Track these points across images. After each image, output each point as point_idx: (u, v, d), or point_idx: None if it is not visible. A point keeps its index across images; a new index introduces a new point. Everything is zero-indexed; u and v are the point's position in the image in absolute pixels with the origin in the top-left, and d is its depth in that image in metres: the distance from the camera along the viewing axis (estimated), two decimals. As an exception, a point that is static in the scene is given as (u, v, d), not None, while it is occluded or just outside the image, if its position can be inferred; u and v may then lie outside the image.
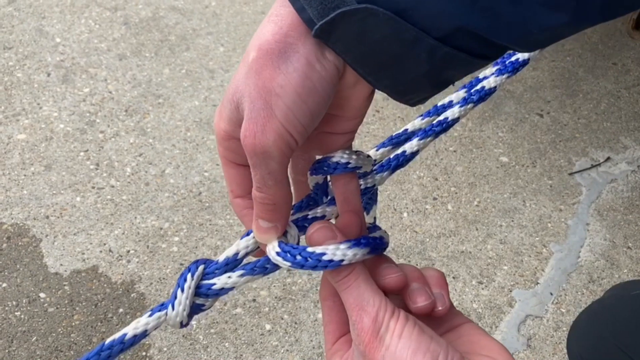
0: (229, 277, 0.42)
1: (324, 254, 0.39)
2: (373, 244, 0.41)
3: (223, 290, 0.42)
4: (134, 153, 1.50)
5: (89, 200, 1.38)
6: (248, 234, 0.43)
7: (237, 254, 0.43)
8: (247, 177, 0.41)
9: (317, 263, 0.39)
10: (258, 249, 0.44)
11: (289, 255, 0.40)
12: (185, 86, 1.70)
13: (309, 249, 0.40)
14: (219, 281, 0.42)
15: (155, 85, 1.69)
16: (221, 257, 0.42)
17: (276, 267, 0.42)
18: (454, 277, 1.36)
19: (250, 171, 0.39)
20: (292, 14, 0.35)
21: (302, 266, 0.40)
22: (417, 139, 0.49)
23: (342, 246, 0.40)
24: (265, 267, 0.42)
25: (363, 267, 0.41)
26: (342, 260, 0.39)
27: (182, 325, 0.42)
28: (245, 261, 0.44)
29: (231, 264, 0.42)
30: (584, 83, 1.95)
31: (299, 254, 0.40)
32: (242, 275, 0.42)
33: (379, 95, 0.38)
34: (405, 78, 0.36)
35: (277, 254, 0.40)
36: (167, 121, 1.59)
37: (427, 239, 1.43)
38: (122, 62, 1.74)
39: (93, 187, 1.41)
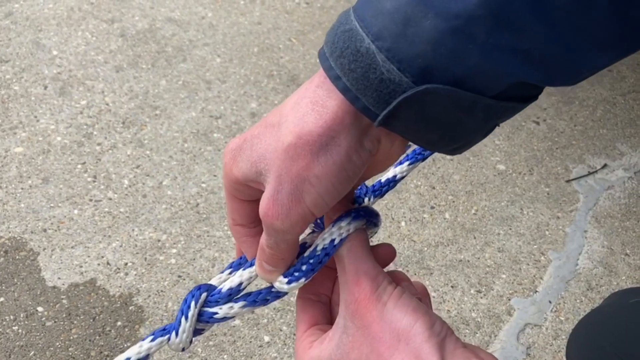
0: (231, 307, 0.43)
1: (332, 240, 0.40)
2: (368, 214, 0.42)
3: (224, 319, 0.43)
4: (131, 165, 1.50)
5: (87, 213, 1.38)
6: (251, 264, 0.44)
7: (240, 284, 0.43)
8: (251, 210, 0.42)
9: (329, 252, 0.41)
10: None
11: (298, 277, 0.41)
12: (182, 97, 1.70)
13: (308, 251, 0.41)
14: (221, 311, 0.43)
15: (152, 96, 1.69)
16: (224, 287, 0.43)
17: (277, 297, 0.43)
18: (452, 286, 1.36)
19: (255, 207, 0.39)
20: (338, 106, 0.34)
21: (315, 271, 0.41)
22: (407, 163, 0.50)
23: (343, 223, 0.41)
24: (267, 299, 0.43)
25: (363, 235, 0.41)
26: (347, 236, 0.40)
27: (183, 349, 0.43)
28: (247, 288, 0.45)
29: (234, 294, 0.43)
30: (579, 90, 1.96)
31: (304, 266, 0.41)
32: (244, 307, 0.43)
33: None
34: (461, 138, 0.37)
35: (288, 282, 0.41)
36: (165, 132, 1.59)
37: (425, 248, 1.43)
38: (119, 74, 1.74)
39: (90, 200, 1.41)
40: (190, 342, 0.43)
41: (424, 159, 0.50)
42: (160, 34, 1.90)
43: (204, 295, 0.43)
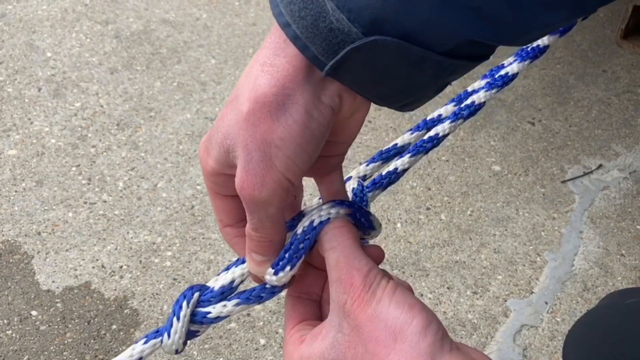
0: (225, 305, 0.42)
1: (311, 222, 0.40)
2: (353, 206, 0.42)
3: (218, 319, 0.42)
4: (126, 167, 1.49)
5: (81, 215, 1.38)
6: (243, 262, 0.43)
7: (232, 282, 0.43)
8: (235, 207, 0.41)
9: (308, 235, 0.40)
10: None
11: (283, 266, 0.40)
12: (177, 99, 1.70)
13: (290, 238, 0.41)
14: (215, 310, 0.42)
15: (146, 98, 1.68)
16: (216, 285, 0.43)
17: (272, 294, 0.42)
18: (448, 288, 1.36)
19: (239, 202, 0.38)
20: (288, 63, 0.34)
21: (300, 257, 0.40)
22: (408, 155, 0.49)
23: (324, 206, 0.41)
24: (261, 296, 0.42)
25: (353, 230, 0.40)
26: (328, 219, 0.40)
27: (177, 352, 0.42)
28: (241, 287, 0.44)
29: (227, 292, 0.43)
30: (574, 90, 1.96)
31: (287, 253, 0.40)
32: (237, 305, 0.42)
33: (371, 105, 0.38)
34: (411, 93, 0.37)
35: (275, 273, 0.41)
36: (159, 134, 1.59)
37: (421, 250, 1.43)
38: (114, 76, 1.73)
39: (85, 203, 1.40)
40: (184, 344, 0.42)
41: (426, 152, 0.49)
42: (154, 35, 1.90)
43: (196, 295, 0.42)
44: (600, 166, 1.70)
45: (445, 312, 1.31)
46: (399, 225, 1.48)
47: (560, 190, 1.62)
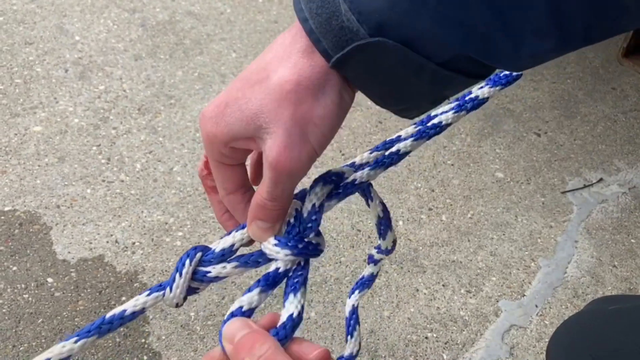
0: (224, 267, 0.45)
1: (312, 204, 0.45)
2: (332, 177, 0.46)
3: (217, 278, 0.45)
4: (144, 150, 1.57)
5: (99, 192, 1.45)
6: (243, 227, 0.46)
7: (232, 245, 0.45)
8: (240, 174, 0.45)
9: (312, 216, 0.44)
10: (251, 241, 0.47)
11: (288, 245, 0.44)
12: (197, 89, 1.77)
13: (293, 219, 0.45)
14: (214, 270, 0.45)
15: (168, 86, 1.75)
16: (217, 247, 0.45)
17: (268, 260, 0.45)
18: (443, 285, 1.42)
19: (242, 171, 0.43)
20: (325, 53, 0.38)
21: (301, 236, 0.44)
22: (411, 139, 0.52)
23: (317, 188, 0.45)
24: (258, 261, 0.45)
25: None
26: (321, 204, 0.45)
27: (177, 305, 0.46)
28: (239, 252, 0.47)
29: (227, 255, 0.45)
30: (582, 106, 2.01)
31: (293, 230, 0.44)
32: (236, 267, 0.45)
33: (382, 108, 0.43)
34: (409, 98, 0.40)
35: (276, 245, 0.44)
36: (178, 121, 1.66)
37: (421, 247, 1.49)
38: (138, 63, 1.81)
39: (103, 181, 1.48)
40: (184, 298, 0.45)
41: (428, 138, 0.51)
42: (179, 26, 1.97)
43: (198, 254, 0.45)
44: (600, 180, 1.75)
45: (438, 307, 1.37)
46: (400, 223, 1.54)
47: (560, 201, 1.67)
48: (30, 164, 1.48)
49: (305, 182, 0.45)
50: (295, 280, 0.45)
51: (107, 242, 1.36)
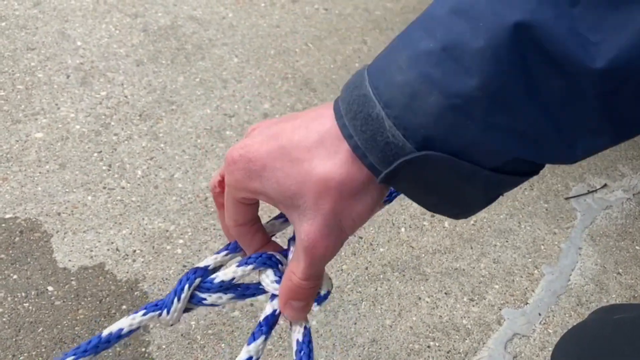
0: (220, 297, 0.46)
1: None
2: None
3: (212, 305, 0.47)
4: (145, 157, 1.56)
5: (100, 199, 1.45)
6: (246, 263, 0.47)
7: (233, 279, 0.47)
8: (252, 211, 0.46)
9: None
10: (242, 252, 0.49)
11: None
12: (199, 94, 1.76)
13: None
14: (210, 298, 0.46)
15: (169, 92, 1.75)
16: (217, 278, 0.46)
17: (264, 292, 0.47)
18: (446, 293, 1.41)
19: (255, 208, 0.45)
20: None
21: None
22: None
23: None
24: (254, 294, 0.47)
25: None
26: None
27: (171, 325, 0.47)
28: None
29: (225, 286, 0.47)
30: (586, 110, 1.99)
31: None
32: (232, 298, 0.47)
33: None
34: (462, 204, 0.40)
35: (275, 282, 0.47)
36: (179, 127, 1.65)
37: (423, 255, 1.48)
38: (139, 68, 1.80)
39: (104, 188, 1.47)
40: (179, 320, 0.47)
41: None
42: (181, 31, 1.97)
43: (198, 280, 0.46)
44: (604, 186, 1.74)
45: (441, 316, 1.36)
46: (402, 230, 1.53)
47: (563, 207, 1.66)
48: (32, 171, 1.47)
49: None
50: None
51: (108, 249, 1.36)
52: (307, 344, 0.46)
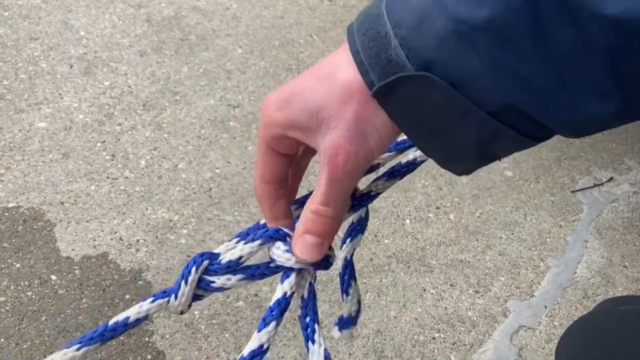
0: (229, 278, 0.44)
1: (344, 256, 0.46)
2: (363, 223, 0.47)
3: (221, 289, 0.45)
4: (149, 147, 1.55)
5: (103, 189, 1.44)
6: (253, 239, 0.45)
7: (240, 257, 0.45)
8: (283, 166, 0.44)
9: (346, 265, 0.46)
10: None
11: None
12: (202, 85, 1.75)
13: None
14: (219, 281, 0.44)
15: (173, 82, 1.74)
16: (225, 258, 0.45)
17: (274, 272, 0.45)
18: (451, 285, 1.40)
19: (287, 164, 0.44)
20: None
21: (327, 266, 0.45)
22: None
23: (347, 240, 0.47)
24: (264, 274, 0.45)
25: None
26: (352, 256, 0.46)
27: (182, 312, 0.45)
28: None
29: (233, 267, 0.45)
30: (592, 103, 1.98)
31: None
32: (241, 279, 0.45)
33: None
34: (453, 147, 0.38)
35: (287, 251, 0.44)
36: (183, 118, 1.64)
37: (428, 247, 1.47)
38: (143, 58, 1.79)
39: (108, 177, 1.46)
40: (189, 306, 0.45)
41: None
42: (185, 22, 1.95)
43: (205, 263, 0.44)
44: (611, 179, 1.73)
45: (446, 307, 1.35)
46: (407, 221, 1.52)
47: (570, 200, 1.65)
48: (35, 160, 1.46)
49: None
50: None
51: (111, 239, 1.35)
52: (312, 299, 0.45)
